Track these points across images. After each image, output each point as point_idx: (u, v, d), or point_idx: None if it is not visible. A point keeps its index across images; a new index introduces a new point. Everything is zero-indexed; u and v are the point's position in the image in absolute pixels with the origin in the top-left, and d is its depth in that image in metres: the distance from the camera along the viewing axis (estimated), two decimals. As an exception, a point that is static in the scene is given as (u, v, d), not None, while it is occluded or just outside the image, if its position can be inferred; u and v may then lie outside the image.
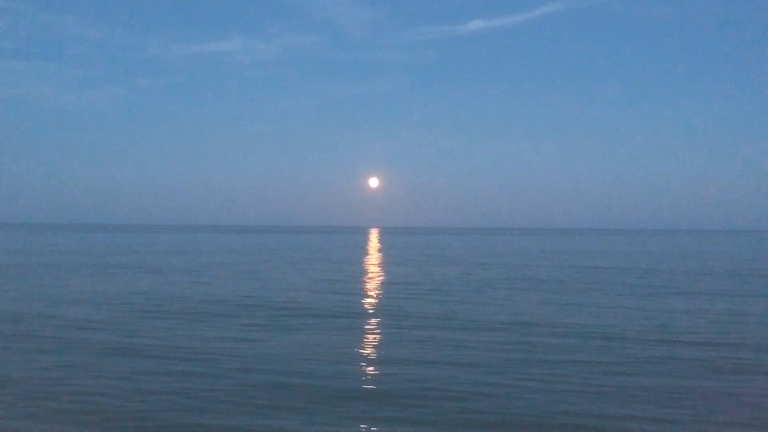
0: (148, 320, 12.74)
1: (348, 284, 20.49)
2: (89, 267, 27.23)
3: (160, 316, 13.28)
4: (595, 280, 22.89)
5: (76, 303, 15.22)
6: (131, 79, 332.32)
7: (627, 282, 21.94)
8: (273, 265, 29.69)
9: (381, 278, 22.87)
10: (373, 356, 9.52)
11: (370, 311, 14.31)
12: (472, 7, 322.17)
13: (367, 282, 21.37)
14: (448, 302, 15.91)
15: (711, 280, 23.35)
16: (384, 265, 30.86)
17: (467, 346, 10.18)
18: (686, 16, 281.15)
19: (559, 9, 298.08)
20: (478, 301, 16.17)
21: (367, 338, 11.02)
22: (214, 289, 18.69)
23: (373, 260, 34.99)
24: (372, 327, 12.14)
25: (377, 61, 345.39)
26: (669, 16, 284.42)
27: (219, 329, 11.75)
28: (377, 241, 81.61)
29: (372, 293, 17.94)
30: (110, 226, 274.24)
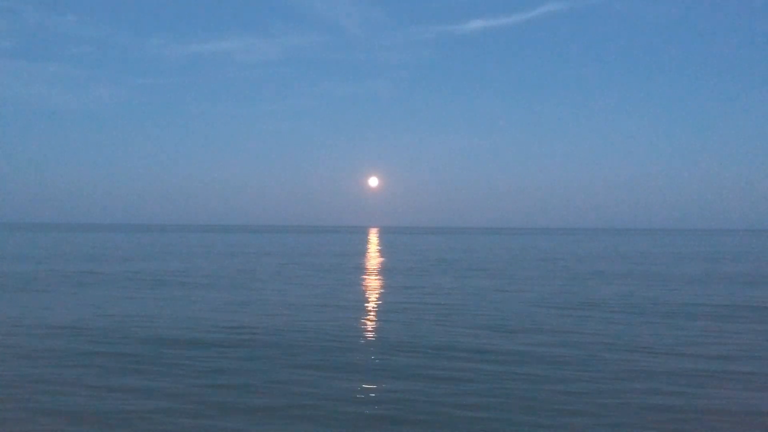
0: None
1: (339, 302, 18.96)
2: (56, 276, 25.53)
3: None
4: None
5: None
6: (131, 79, 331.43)
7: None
8: (263, 267, 28.24)
9: (379, 293, 21.41)
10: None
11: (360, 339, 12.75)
12: (471, 7, 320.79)
13: (361, 301, 19.87)
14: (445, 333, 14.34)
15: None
16: (383, 273, 29.43)
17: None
18: (686, 15, 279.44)
19: (558, 9, 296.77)
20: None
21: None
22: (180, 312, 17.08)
23: (371, 266, 33.56)
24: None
25: (377, 60, 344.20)
26: (669, 16, 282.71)
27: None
28: (376, 243, 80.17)
29: (370, 316, 16.46)
30: (110, 226, 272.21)
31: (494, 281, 24.26)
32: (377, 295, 19.45)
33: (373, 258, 41.50)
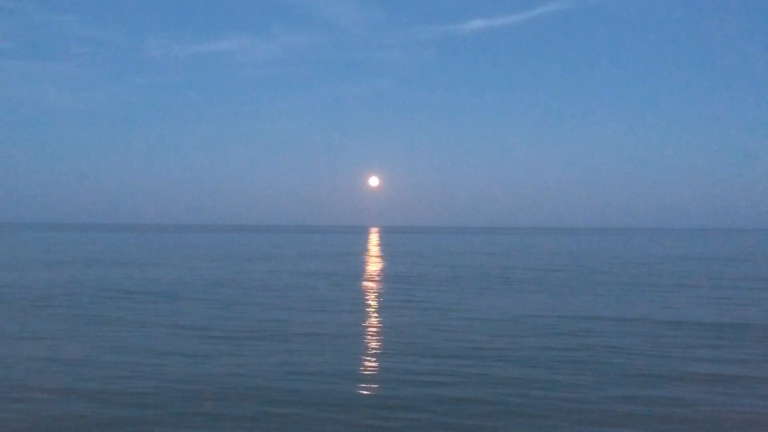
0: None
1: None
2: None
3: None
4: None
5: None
6: (131, 79, 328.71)
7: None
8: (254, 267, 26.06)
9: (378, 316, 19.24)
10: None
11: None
12: (472, 7, 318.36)
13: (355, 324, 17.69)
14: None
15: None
16: (383, 281, 27.28)
17: None
18: (686, 15, 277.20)
19: (559, 9, 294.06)
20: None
21: None
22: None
23: (370, 273, 31.41)
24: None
25: (377, 60, 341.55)
26: (669, 16, 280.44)
27: None
28: (376, 244, 78.14)
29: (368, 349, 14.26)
30: (110, 226, 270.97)
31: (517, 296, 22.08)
32: (377, 316, 17.32)
33: (373, 262, 39.35)
